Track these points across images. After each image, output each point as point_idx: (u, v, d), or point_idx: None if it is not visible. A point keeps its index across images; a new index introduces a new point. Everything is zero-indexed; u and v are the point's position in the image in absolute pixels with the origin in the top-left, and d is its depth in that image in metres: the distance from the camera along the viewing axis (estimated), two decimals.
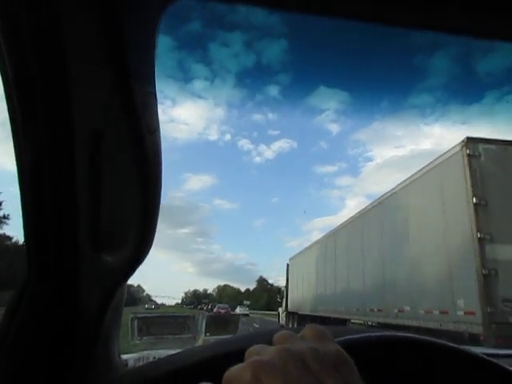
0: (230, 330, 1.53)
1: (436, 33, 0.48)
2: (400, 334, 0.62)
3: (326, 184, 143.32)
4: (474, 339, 5.69)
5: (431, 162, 7.07)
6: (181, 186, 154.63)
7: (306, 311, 15.36)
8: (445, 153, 6.67)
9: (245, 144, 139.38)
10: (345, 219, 11.21)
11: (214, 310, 34.18)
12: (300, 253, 18.09)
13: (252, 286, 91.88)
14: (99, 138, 0.53)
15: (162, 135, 0.54)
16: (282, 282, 19.47)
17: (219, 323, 1.57)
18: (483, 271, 5.50)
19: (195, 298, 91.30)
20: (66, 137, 0.51)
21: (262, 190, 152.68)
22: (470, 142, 6.10)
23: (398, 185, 8.37)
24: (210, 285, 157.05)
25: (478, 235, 5.63)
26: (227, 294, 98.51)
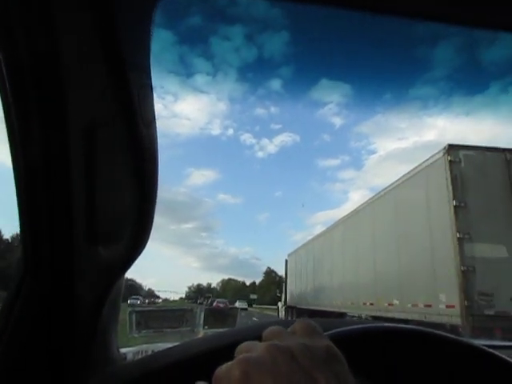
0: (229, 323, 1.53)
1: (438, 23, 0.48)
2: (387, 324, 0.61)
3: (329, 177, 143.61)
4: (455, 330, 6.22)
5: (417, 166, 7.57)
6: (184, 182, 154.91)
7: (304, 305, 15.84)
8: (429, 158, 7.16)
9: (247, 138, 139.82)
10: (348, 212, 11.48)
11: (214, 304, 35.09)
12: (298, 249, 18.58)
13: (258, 280, 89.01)
14: (94, 132, 0.52)
15: (164, 131, 0.68)
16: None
17: (217, 316, 1.57)
18: (462, 268, 6.01)
19: (198, 293, 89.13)
20: (60, 131, 0.51)
21: (265, 184, 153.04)
22: (451, 148, 6.59)
23: (388, 187, 8.87)
24: (214, 279, 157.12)
25: (458, 235, 6.14)
26: (231, 288, 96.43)
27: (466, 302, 5.89)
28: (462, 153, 6.58)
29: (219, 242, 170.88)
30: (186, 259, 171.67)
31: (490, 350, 0.55)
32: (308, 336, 0.31)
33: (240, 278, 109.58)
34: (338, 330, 0.54)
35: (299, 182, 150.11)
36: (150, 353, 0.87)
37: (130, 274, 0.66)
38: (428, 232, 6.96)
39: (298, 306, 16.79)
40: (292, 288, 18.39)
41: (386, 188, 9.03)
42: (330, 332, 0.50)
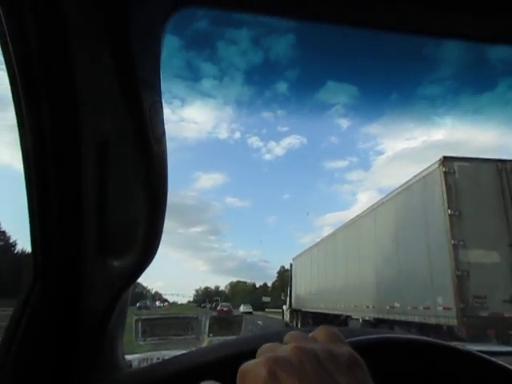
0: (234, 331, 1.53)
1: (442, 38, 0.50)
2: (405, 335, 0.63)
3: (337, 179, 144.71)
4: (451, 331, 6.64)
5: (415, 176, 8.01)
6: (192, 185, 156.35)
7: (308, 308, 16.18)
8: (425, 169, 7.61)
9: (254, 141, 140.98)
10: (356, 214, 11.71)
11: (218, 308, 35.65)
12: (303, 253, 18.92)
13: (269, 281, 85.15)
14: (106, 145, 0.54)
15: (172, 135, 0.62)
16: None
17: (222, 324, 1.56)
18: (457, 272, 6.44)
19: (206, 296, 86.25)
20: (72, 144, 0.53)
21: (272, 187, 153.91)
22: (446, 160, 7.02)
23: (388, 195, 9.32)
24: (223, 282, 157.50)
25: (453, 242, 6.57)
26: (240, 291, 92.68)
27: (461, 305, 6.30)
28: (456, 164, 7.01)
29: (227, 245, 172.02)
30: (194, 262, 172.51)
31: (495, 360, 0.58)
32: (330, 342, 0.32)
33: (249, 281, 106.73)
34: (359, 338, 0.57)
35: (307, 184, 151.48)
36: (155, 360, 0.88)
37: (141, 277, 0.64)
38: (425, 238, 7.39)
39: (303, 309, 17.10)
40: (297, 291, 18.72)
41: (386, 195, 9.46)
42: (350, 339, 0.51)
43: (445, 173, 6.92)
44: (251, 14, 0.51)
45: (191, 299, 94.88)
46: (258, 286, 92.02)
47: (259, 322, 18.76)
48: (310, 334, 0.34)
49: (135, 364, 0.82)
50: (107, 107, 0.51)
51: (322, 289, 14.54)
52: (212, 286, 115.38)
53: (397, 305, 8.41)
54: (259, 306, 50.16)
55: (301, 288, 18.07)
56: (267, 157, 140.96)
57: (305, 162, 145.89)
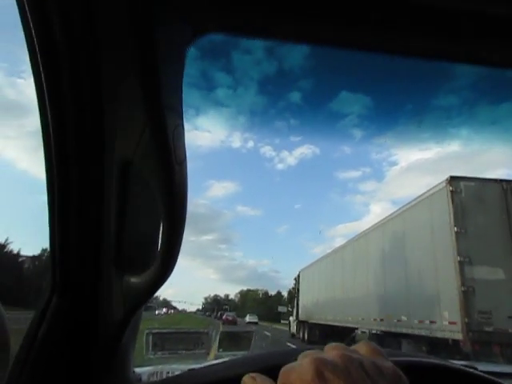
0: (244, 346, 1.52)
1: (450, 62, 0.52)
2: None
3: (350, 189, 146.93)
4: (456, 345, 6.85)
5: (422, 194, 8.31)
6: (204, 193, 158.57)
7: (316, 320, 16.30)
8: (432, 187, 7.91)
9: (267, 151, 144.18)
10: (369, 225, 11.87)
11: (223, 317, 35.78)
12: (310, 265, 19.06)
13: (283, 291, 77.97)
14: (128, 166, 0.56)
15: (186, 144, 0.53)
16: None
17: (232, 339, 1.57)
18: (462, 288, 6.69)
19: (215, 304, 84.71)
20: (96, 162, 0.55)
21: (284, 197, 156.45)
22: (453, 180, 7.33)
23: (395, 211, 9.61)
24: (233, 291, 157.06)
25: (459, 258, 6.84)
26: (251, 299, 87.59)
27: (466, 320, 6.54)
28: (462, 183, 7.31)
29: (238, 254, 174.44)
30: (204, 270, 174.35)
31: None
32: (373, 356, 0.32)
33: (261, 288, 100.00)
34: (399, 358, 0.58)
35: (319, 194, 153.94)
36: (165, 375, 0.88)
37: None
38: (432, 254, 7.66)
39: (310, 321, 17.21)
40: (304, 303, 18.85)
41: (395, 212, 9.75)
42: (394, 359, 0.50)
43: (451, 192, 7.22)
44: (268, 41, 0.52)
45: (200, 307, 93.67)
46: (271, 294, 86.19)
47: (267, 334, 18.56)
48: (352, 347, 0.34)
49: (144, 378, 0.82)
50: (132, 130, 0.53)
51: (329, 301, 14.70)
52: (221, 294, 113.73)
53: (404, 318, 8.62)
54: (274, 317, 44.46)
55: (308, 300, 18.21)
56: (279, 166, 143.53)
57: (317, 171, 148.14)
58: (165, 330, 1.35)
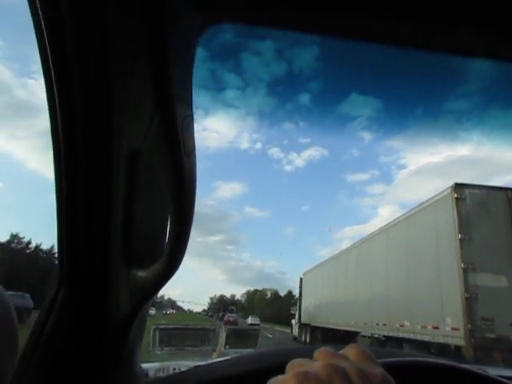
0: (250, 344, 1.52)
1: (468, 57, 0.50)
2: (440, 360, 0.63)
3: (358, 192, 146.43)
4: (458, 351, 6.91)
5: (427, 200, 8.39)
6: (212, 194, 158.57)
7: (318, 323, 16.33)
8: (437, 194, 7.99)
9: (275, 152, 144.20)
10: (377, 228, 11.77)
11: (225, 318, 35.85)
12: (313, 268, 19.07)
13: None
14: (137, 156, 0.55)
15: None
16: None
17: (239, 336, 1.56)
18: (466, 295, 6.74)
19: (221, 305, 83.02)
20: (104, 153, 0.53)
21: (292, 198, 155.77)
22: (458, 187, 7.40)
23: (400, 216, 9.68)
24: (239, 292, 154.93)
25: (462, 265, 6.89)
26: (260, 300, 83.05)
27: (469, 326, 6.59)
28: (467, 191, 7.38)
29: (245, 255, 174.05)
30: (211, 271, 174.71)
31: None
32: (361, 361, 0.31)
33: (270, 287, 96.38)
34: (391, 359, 0.56)
35: (327, 197, 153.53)
36: (171, 371, 0.88)
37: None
38: (436, 261, 7.72)
39: (313, 324, 17.23)
40: (306, 306, 18.86)
41: (399, 217, 9.82)
42: (382, 360, 0.50)
43: (456, 199, 7.28)
44: (276, 29, 0.51)
45: (206, 308, 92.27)
46: (282, 294, 77.81)
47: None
48: (341, 352, 0.33)
49: (151, 373, 0.82)
50: (141, 120, 0.52)
51: (332, 304, 14.74)
52: (228, 294, 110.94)
53: (406, 323, 8.68)
54: (286, 320, 36.02)
55: (310, 303, 18.23)
56: (287, 168, 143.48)
57: (325, 174, 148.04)
58: (171, 326, 1.34)
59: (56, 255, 0.63)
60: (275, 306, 61.99)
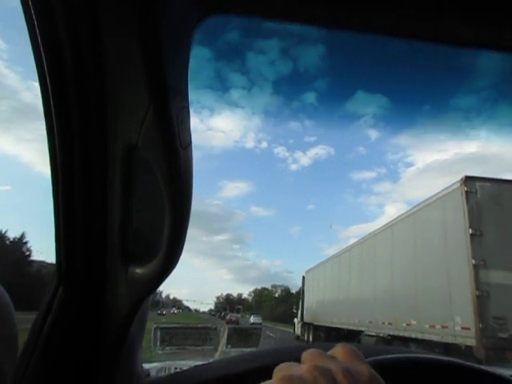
0: (252, 343, 1.53)
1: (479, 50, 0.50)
2: (430, 355, 0.62)
3: (364, 190, 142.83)
4: (469, 351, 6.61)
5: (434, 195, 8.07)
6: (217, 193, 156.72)
7: (320, 322, 16.10)
8: (446, 188, 7.66)
9: (281, 151, 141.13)
10: (370, 231, 11.68)
11: (227, 317, 35.95)
12: (315, 266, 18.87)
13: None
14: (132, 151, 0.54)
15: (199, 143, 0.61)
16: None
17: (241, 335, 1.57)
18: (477, 293, 6.44)
19: (227, 304, 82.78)
20: (100, 149, 0.53)
21: (298, 197, 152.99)
22: (468, 180, 7.08)
23: (407, 211, 9.36)
24: (246, 291, 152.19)
25: (473, 261, 6.58)
26: (269, 299, 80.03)
27: (480, 325, 6.29)
28: (478, 184, 7.06)
29: (251, 254, 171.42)
30: (218, 271, 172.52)
31: None
32: (349, 361, 0.31)
33: (280, 284, 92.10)
34: (380, 357, 0.56)
35: (333, 195, 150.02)
36: (173, 370, 0.88)
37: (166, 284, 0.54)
38: (444, 257, 7.40)
39: (315, 323, 17.03)
40: (309, 305, 18.66)
41: (405, 212, 9.51)
42: (371, 359, 0.50)
43: (466, 192, 6.97)
44: (277, 22, 0.50)
45: (213, 307, 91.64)
46: (294, 291, 70.49)
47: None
48: (329, 352, 0.33)
49: (153, 373, 0.82)
50: (136, 113, 0.51)
51: (335, 303, 14.50)
52: (234, 293, 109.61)
53: (413, 322, 8.38)
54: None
55: (313, 301, 18.02)
56: (293, 167, 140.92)
57: (331, 172, 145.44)
58: (173, 325, 1.35)
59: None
60: (286, 304, 56.95)
